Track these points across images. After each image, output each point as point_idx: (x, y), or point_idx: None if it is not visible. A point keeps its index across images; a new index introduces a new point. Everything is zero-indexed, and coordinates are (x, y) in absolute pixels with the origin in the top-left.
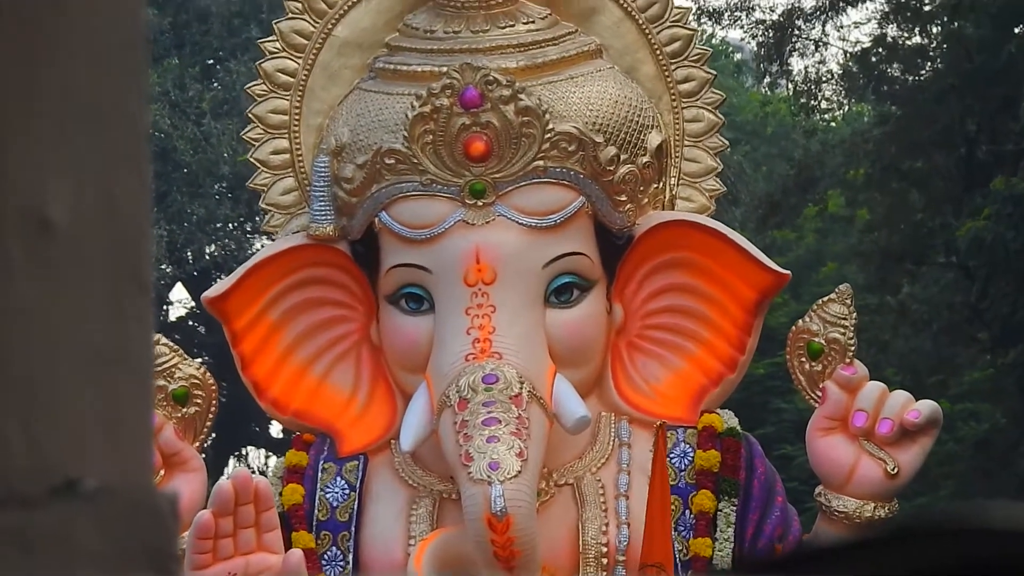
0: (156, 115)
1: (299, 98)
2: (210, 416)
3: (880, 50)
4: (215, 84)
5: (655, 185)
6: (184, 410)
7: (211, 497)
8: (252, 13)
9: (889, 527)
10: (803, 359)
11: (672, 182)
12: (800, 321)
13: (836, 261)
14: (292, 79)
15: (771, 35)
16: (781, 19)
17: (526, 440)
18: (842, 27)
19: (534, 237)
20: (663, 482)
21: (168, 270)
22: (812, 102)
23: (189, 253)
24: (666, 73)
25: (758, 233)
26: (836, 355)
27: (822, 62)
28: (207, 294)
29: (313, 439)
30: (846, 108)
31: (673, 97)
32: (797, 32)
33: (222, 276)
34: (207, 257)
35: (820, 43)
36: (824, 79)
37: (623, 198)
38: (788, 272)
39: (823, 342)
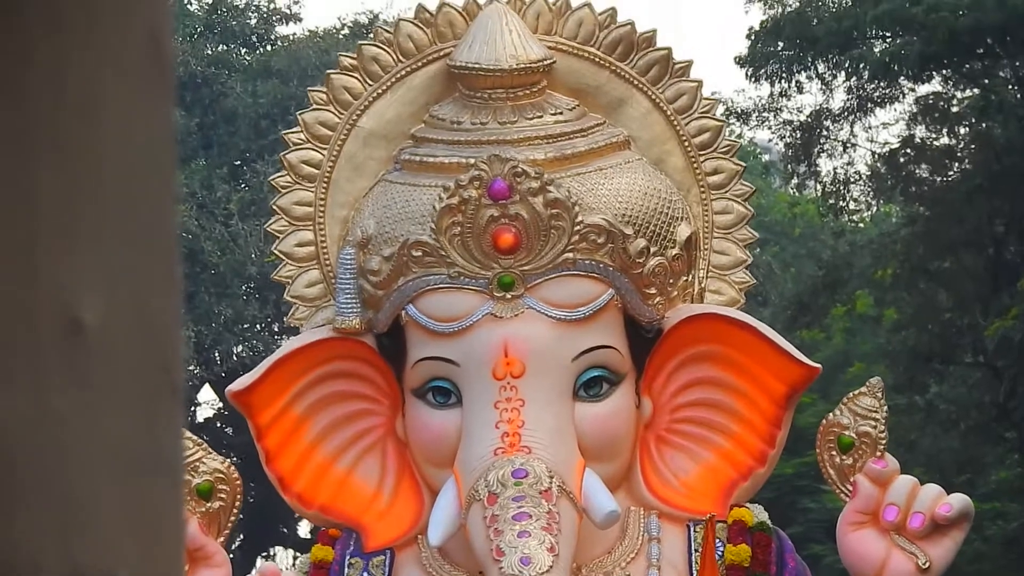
0: (184, 216)
1: (324, 190)
2: (234, 511)
3: (908, 151)
4: (242, 185)
5: (684, 278)
6: (208, 505)
7: None
8: (280, 115)
9: None
10: (833, 452)
11: (701, 274)
12: (830, 415)
13: (864, 361)
14: (317, 171)
15: (799, 136)
16: (809, 120)
17: (557, 535)
18: (870, 128)
19: (563, 330)
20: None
21: (196, 371)
22: (840, 203)
23: (216, 354)
24: (695, 165)
25: (787, 333)
26: (867, 448)
27: (850, 163)
28: (232, 387)
29: (339, 534)
30: (874, 209)
31: (702, 189)
32: (825, 133)
33: None
34: (234, 358)
35: (848, 144)
36: (852, 180)
37: (652, 291)
38: (818, 365)
39: (854, 435)
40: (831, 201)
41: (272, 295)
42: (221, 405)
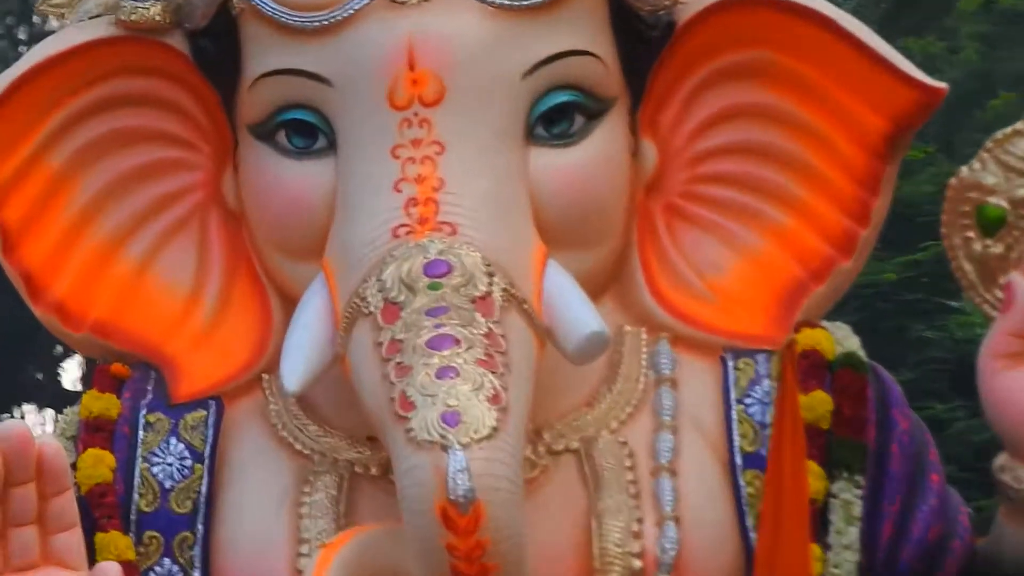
0: None
1: None
2: None
3: None
4: None
5: None
6: None
7: None
8: None
9: None
10: (969, 235)
11: None
12: (962, 170)
13: (1015, 88)
14: None
15: None
16: None
17: (503, 375)
18: None
19: (507, 23)
20: (796, 444)
21: None
22: None
23: None
24: None
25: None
26: None
27: None
28: None
29: (128, 372)
30: None
31: None
32: None
33: None
34: None
35: None
36: None
37: None
38: (944, 85)
39: (1005, 204)
40: None
41: None
42: None
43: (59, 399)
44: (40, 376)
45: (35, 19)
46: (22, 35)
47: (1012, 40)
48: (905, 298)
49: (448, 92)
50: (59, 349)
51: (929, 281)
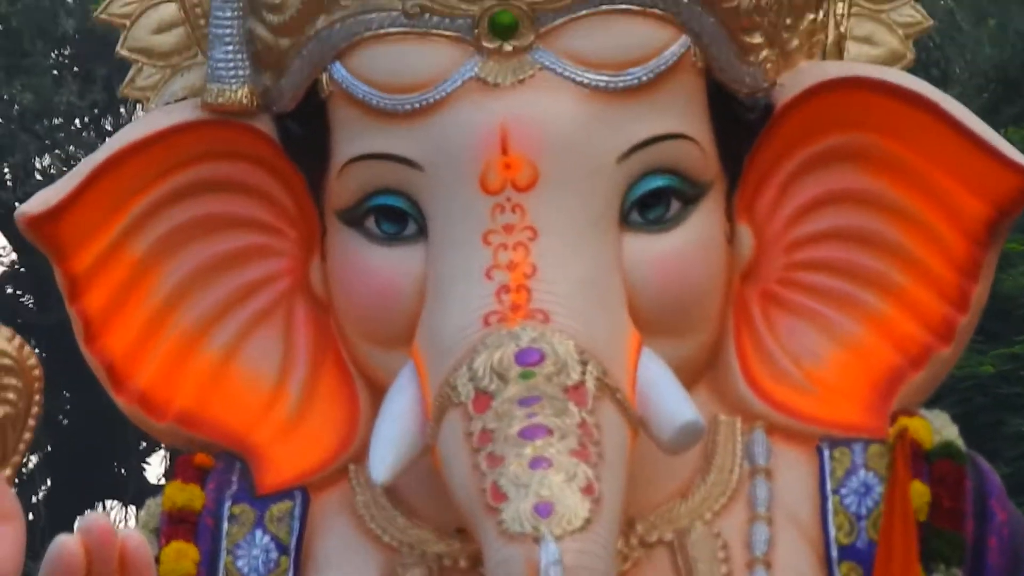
0: None
1: None
2: (30, 423)
3: None
4: None
5: (811, 16)
6: None
7: (44, 566)
8: None
9: None
10: None
11: (840, 10)
12: None
13: None
14: None
15: None
16: None
17: (597, 465)
18: None
19: (603, 106)
20: (907, 539)
21: None
22: None
23: (6, 167)
24: None
25: None
26: None
27: None
28: (26, 209)
29: (212, 463)
30: None
31: None
32: None
33: None
34: (38, 174)
35: None
36: None
37: (756, 38)
38: None
39: None
40: None
41: (101, 68)
42: (16, 257)
43: (143, 494)
44: (123, 471)
45: (122, 110)
46: (108, 126)
47: None
48: (1003, 391)
49: (542, 176)
50: (143, 444)
51: None
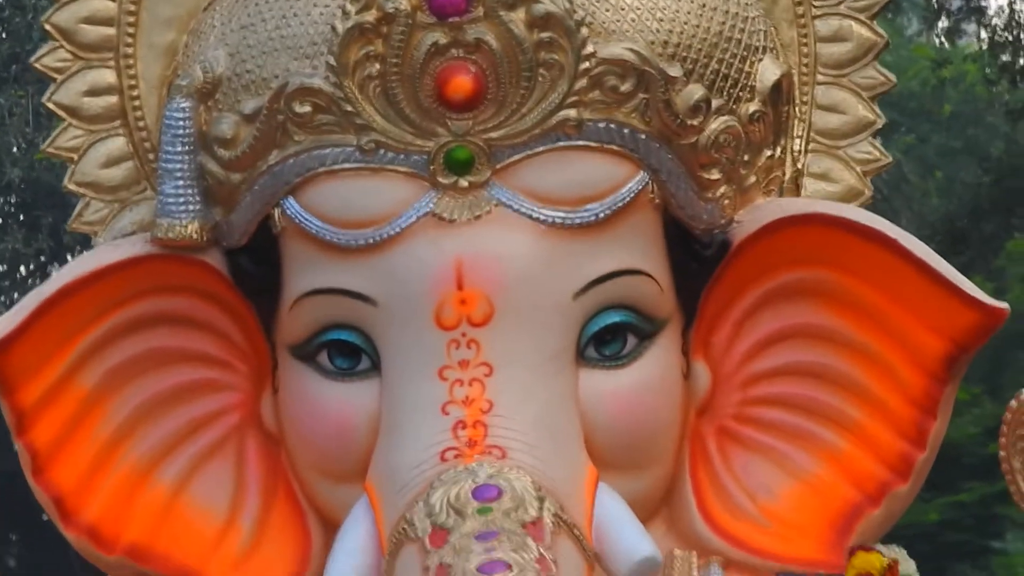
0: None
1: None
2: None
3: None
4: None
5: (768, 152)
6: None
7: None
8: None
9: None
10: None
11: (796, 146)
12: (1022, 393)
13: None
14: None
15: None
16: None
17: None
18: None
19: (559, 243)
20: None
21: None
22: (1021, 60)
23: None
24: None
25: None
26: None
27: None
28: None
29: None
30: None
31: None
32: None
33: None
34: None
35: None
36: None
37: (714, 174)
38: (1004, 306)
39: None
40: (1004, 58)
41: (47, 215)
42: None
43: None
44: None
45: (68, 257)
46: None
47: None
48: (948, 539)
49: (497, 312)
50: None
51: (974, 523)
